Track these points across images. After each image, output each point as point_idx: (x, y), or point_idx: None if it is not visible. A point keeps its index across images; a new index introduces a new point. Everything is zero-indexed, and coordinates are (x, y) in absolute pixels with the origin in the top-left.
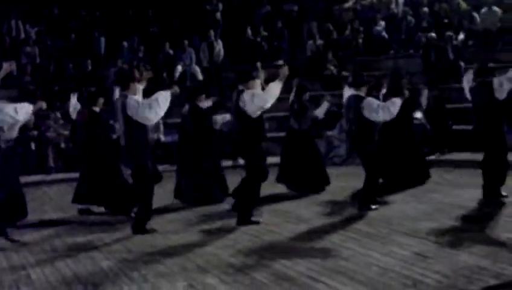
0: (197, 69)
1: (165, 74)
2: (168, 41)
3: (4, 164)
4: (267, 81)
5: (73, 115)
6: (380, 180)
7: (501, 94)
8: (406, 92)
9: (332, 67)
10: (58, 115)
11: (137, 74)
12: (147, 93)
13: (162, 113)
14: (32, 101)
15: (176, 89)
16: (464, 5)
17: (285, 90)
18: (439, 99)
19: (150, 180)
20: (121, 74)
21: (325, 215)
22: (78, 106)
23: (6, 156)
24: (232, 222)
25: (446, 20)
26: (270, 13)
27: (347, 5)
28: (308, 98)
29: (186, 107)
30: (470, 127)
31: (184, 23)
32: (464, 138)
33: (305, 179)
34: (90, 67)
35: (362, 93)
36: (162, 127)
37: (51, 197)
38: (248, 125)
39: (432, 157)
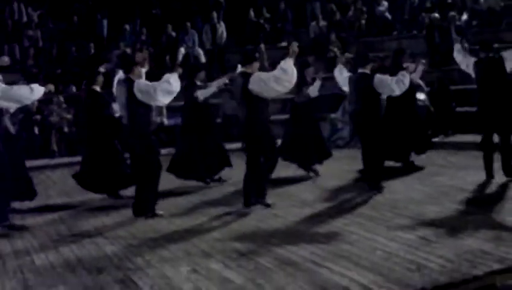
0: (200, 51)
1: (167, 57)
2: (171, 23)
3: (11, 147)
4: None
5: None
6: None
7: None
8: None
9: (335, 49)
10: (61, 98)
11: (140, 57)
12: (150, 76)
13: (174, 94)
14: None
15: (180, 71)
16: None
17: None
18: (443, 81)
19: (158, 161)
20: (124, 58)
21: (329, 199)
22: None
23: (14, 139)
24: (237, 206)
25: (449, 0)
26: None
27: None
28: (312, 74)
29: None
30: (473, 109)
31: (186, 5)
32: (467, 119)
33: (306, 152)
34: (93, 51)
35: (368, 71)
36: (165, 111)
37: (54, 181)
38: (258, 108)
39: (436, 139)
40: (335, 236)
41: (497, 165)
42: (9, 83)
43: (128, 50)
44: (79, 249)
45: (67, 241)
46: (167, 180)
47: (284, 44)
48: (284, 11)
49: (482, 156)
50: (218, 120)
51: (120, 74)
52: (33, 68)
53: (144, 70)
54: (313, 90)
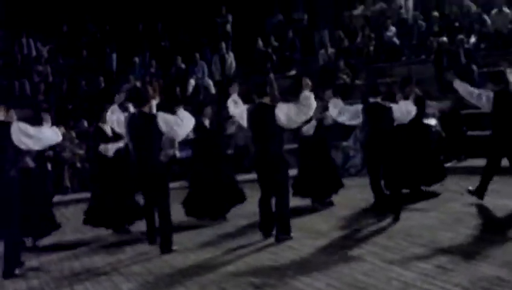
0: (210, 82)
1: (178, 88)
2: (180, 55)
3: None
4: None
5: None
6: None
7: None
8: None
9: (344, 76)
10: (73, 134)
11: (151, 90)
12: (161, 108)
13: (189, 129)
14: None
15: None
16: (474, 8)
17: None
18: (454, 105)
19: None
20: (136, 92)
21: (343, 229)
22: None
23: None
24: (251, 239)
25: (457, 24)
26: (281, 23)
27: (357, 12)
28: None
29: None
30: (485, 133)
31: (195, 36)
32: (479, 144)
33: (319, 186)
34: (103, 84)
35: (379, 100)
36: (176, 143)
37: (68, 217)
38: (277, 138)
39: (449, 164)
40: (350, 266)
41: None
42: (21, 119)
43: (138, 83)
44: (94, 287)
45: (82, 279)
46: (180, 214)
47: (292, 73)
48: (292, 40)
49: (485, 177)
50: (230, 151)
51: (131, 109)
52: (44, 103)
53: (154, 102)
54: (308, 129)
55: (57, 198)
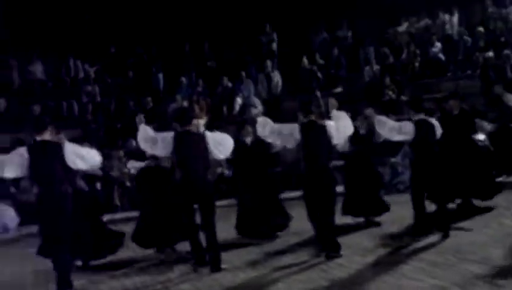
0: (257, 100)
1: (224, 107)
2: (226, 74)
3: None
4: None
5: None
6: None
7: None
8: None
9: (390, 92)
10: (122, 153)
11: (197, 109)
12: (208, 127)
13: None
14: (95, 140)
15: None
16: None
17: None
18: (502, 119)
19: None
20: (181, 112)
21: (391, 246)
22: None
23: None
24: (301, 256)
25: (503, 39)
26: (326, 40)
27: (401, 28)
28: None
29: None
30: None
31: (240, 55)
32: None
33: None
34: (151, 104)
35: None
36: (224, 161)
37: None
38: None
39: (499, 179)
40: (401, 284)
41: None
42: (70, 139)
43: (185, 102)
44: None
45: None
46: (229, 232)
47: (339, 90)
48: (338, 57)
49: None
50: (278, 169)
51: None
52: (92, 123)
53: (202, 121)
54: (343, 146)
55: (107, 217)
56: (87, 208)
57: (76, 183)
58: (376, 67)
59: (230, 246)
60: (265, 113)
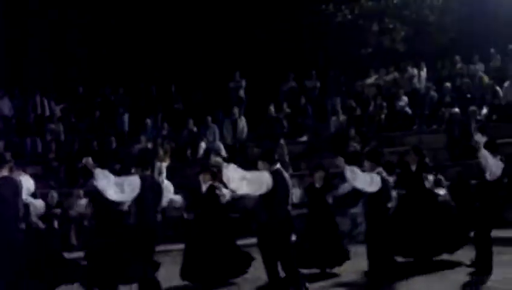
0: (221, 145)
1: (189, 151)
2: (192, 117)
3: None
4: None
5: None
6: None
7: None
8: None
9: (355, 144)
10: (81, 192)
11: (161, 152)
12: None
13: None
14: (55, 178)
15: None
16: (486, 80)
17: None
18: (463, 175)
19: None
20: (142, 154)
21: None
22: None
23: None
24: None
25: (469, 95)
26: (293, 89)
27: (370, 81)
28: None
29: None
30: None
31: (207, 99)
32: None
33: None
34: (114, 145)
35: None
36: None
37: None
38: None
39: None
40: None
41: None
42: (31, 176)
43: (150, 144)
44: None
45: None
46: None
47: (304, 139)
48: (305, 106)
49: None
50: (236, 215)
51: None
52: (54, 161)
53: (165, 164)
54: (299, 197)
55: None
56: (43, 246)
57: (30, 220)
58: (343, 117)
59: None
60: (229, 159)
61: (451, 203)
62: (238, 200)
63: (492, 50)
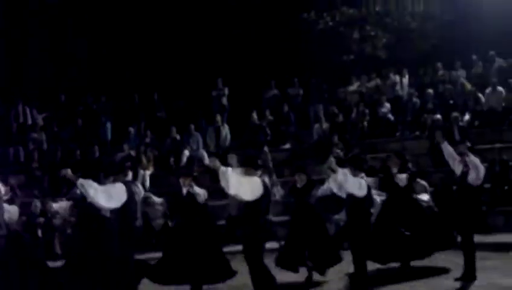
0: (204, 153)
1: (172, 159)
2: (175, 125)
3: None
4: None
5: None
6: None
7: None
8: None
9: (338, 151)
10: (65, 201)
11: (144, 160)
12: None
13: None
14: (39, 187)
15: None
16: (468, 86)
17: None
18: (446, 181)
19: None
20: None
21: None
22: None
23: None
24: None
25: (451, 102)
26: (276, 96)
27: (352, 88)
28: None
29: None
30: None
31: (190, 107)
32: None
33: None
34: (97, 153)
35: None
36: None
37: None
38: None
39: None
40: None
41: None
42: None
43: (133, 152)
44: None
45: None
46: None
47: (287, 146)
48: (287, 114)
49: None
50: (221, 222)
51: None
52: (37, 170)
53: (148, 172)
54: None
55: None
56: (27, 255)
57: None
58: (326, 125)
59: None
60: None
61: (435, 208)
62: (223, 208)
63: (474, 56)
